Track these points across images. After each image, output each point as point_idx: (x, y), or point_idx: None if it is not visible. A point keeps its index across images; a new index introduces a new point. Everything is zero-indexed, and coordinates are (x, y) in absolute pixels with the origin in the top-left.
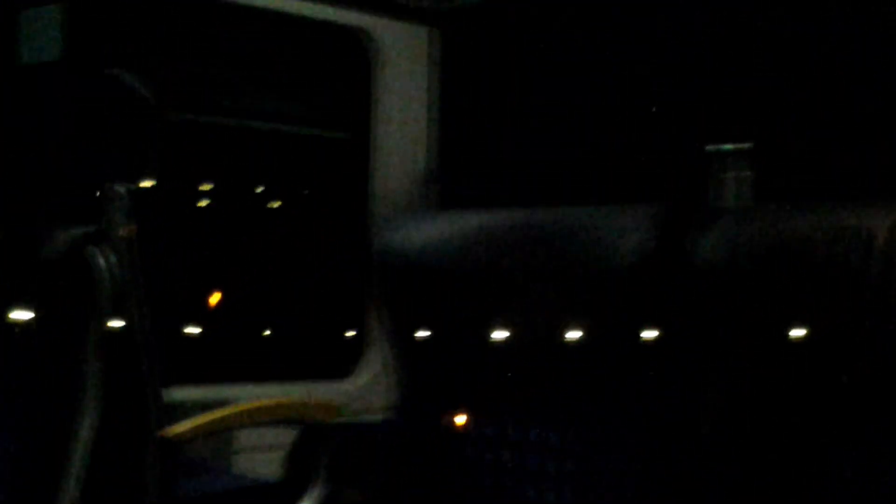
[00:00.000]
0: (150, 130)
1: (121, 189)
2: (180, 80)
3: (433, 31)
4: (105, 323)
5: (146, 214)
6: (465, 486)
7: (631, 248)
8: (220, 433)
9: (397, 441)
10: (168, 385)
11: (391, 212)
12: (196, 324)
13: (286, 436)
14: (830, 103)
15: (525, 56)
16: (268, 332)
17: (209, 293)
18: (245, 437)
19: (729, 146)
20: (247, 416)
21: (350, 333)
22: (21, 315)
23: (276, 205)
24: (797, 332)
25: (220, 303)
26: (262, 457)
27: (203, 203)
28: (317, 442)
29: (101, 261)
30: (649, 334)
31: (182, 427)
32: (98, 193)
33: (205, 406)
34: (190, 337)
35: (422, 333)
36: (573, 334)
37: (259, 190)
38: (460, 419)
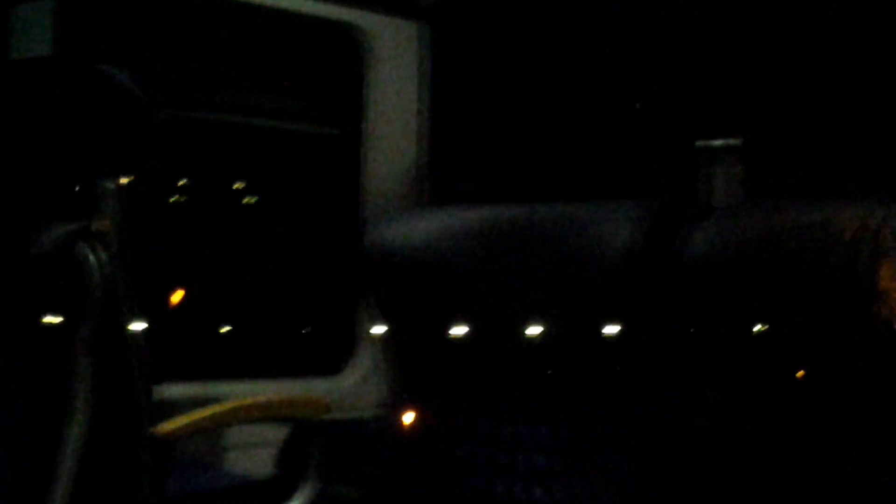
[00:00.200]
0: (141, 126)
1: (111, 185)
2: (172, 76)
3: (423, 26)
4: (95, 320)
5: (136, 211)
6: (455, 483)
7: (621, 244)
8: (212, 430)
9: (388, 437)
10: (159, 382)
11: (382, 208)
12: (187, 321)
13: (278, 433)
14: (821, 99)
15: (515, 51)
16: (259, 329)
17: (199, 290)
18: (236, 434)
19: (719, 142)
20: (238, 413)
21: (341, 330)
22: (11, 312)
23: (266, 201)
24: (788, 329)
25: (211, 299)
26: (253, 454)
27: (193, 199)
28: (308, 439)
29: (92, 257)
30: (639, 329)
31: (173, 424)
32: (88, 190)
33: (196, 403)
34: (181, 334)
35: (413, 329)
36: (564, 330)
37: (250, 186)
38: (450, 415)
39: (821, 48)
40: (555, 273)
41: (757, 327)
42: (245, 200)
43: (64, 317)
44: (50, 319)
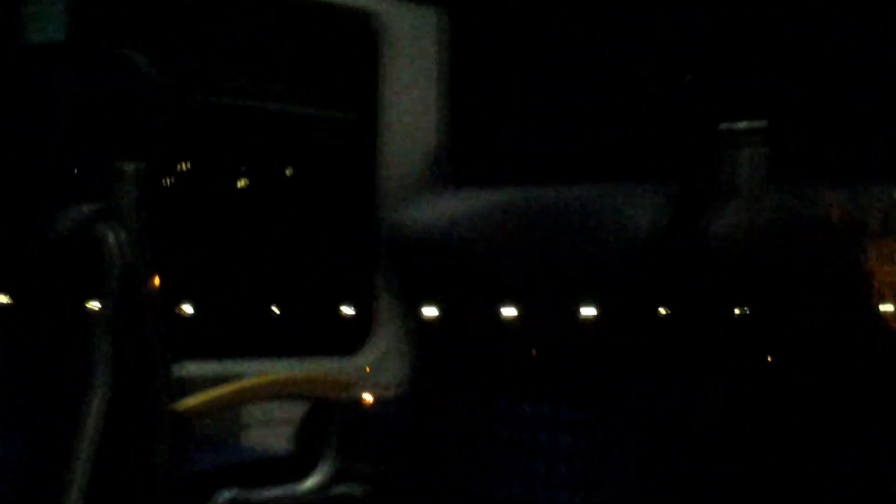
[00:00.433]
0: (158, 109)
1: (129, 167)
2: (188, 61)
3: (441, 11)
4: (115, 299)
5: (155, 192)
6: (474, 462)
7: (643, 227)
8: (231, 408)
9: (407, 417)
10: (179, 360)
11: (400, 190)
12: (206, 300)
13: (296, 411)
14: (847, 81)
15: (534, 33)
16: (278, 308)
17: (220, 270)
18: (255, 411)
19: (743, 124)
20: (257, 391)
21: (359, 309)
22: (30, 292)
23: (285, 184)
24: (812, 314)
25: (231, 280)
26: (272, 431)
27: (213, 182)
28: (326, 417)
29: (111, 238)
30: (659, 314)
31: (193, 401)
32: (107, 171)
33: (215, 381)
34: (200, 313)
35: (431, 310)
36: (583, 312)
37: (269, 169)
38: (468, 394)
39: (847, 30)
40: (574, 254)
41: (782, 313)
42: (240, 184)
43: (83, 296)
44: (69, 299)
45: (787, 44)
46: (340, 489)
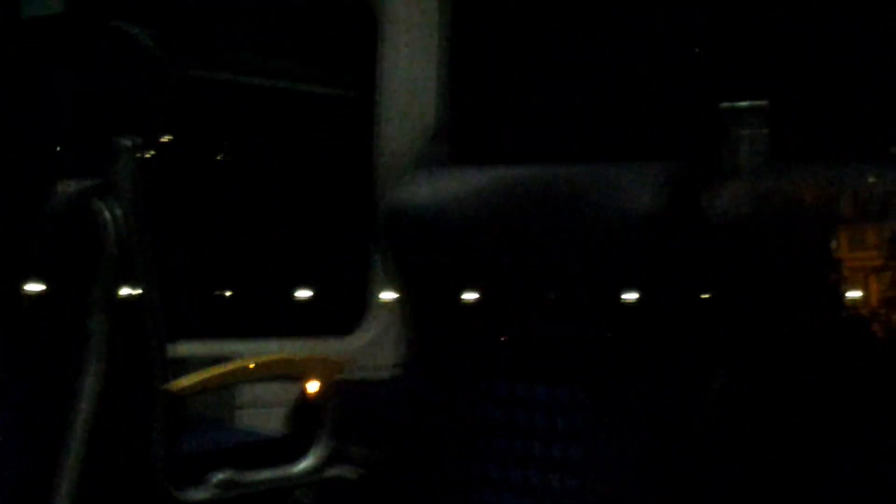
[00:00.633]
0: (157, 84)
1: (127, 143)
2: (189, 36)
3: None
4: (110, 276)
5: (153, 169)
6: (470, 443)
7: (645, 205)
8: (225, 388)
9: (401, 398)
10: (173, 340)
11: (399, 168)
12: (201, 279)
13: (290, 391)
14: (848, 61)
15: (535, 10)
16: (273, 288)
17: (215, 249)
18: (249, 392)
19: (744, 103)
20: (251, 372)
21: (354, 291)
22: (25, 269)
23: (282, 162)
24: (815, 291)
25: (227, 259)
26: (266, 412)
27: (209, 158)
28: (320, 398)
29: (107, 214)
30: (661, 290)
31: (187, 381)
32: (104, 147)
33: (210, 361)
34: (195, 292)
35: (429, 290)
36: (584, 291)
37: (266, 146)
38: (465, 376)
39: (849, 12)
40: (576, 235)
41: (784, 290)
42: (237, 162)
43: (78, 273)
44: (64, 276)
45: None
46: (334, 471)
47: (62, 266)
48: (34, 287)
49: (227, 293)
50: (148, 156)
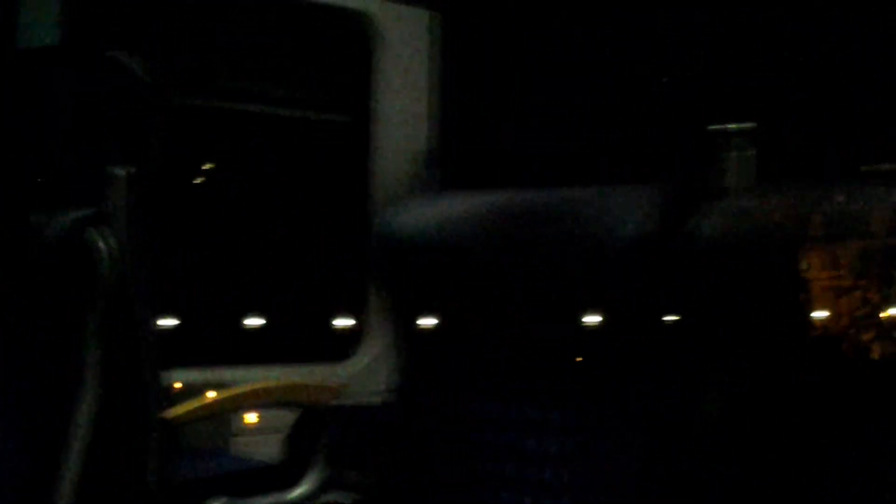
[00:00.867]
0: (149, 113)
1: (121, 172)
2: (181, 64)
3: (434, 13)
4: (104, 306)
5: (146, 198)
6: (464, 470)
7: (633, 229)
8: (220, 416)
9: (397, 423)
10: (168, 368)
11: (393, 194)
12: (196, 306)
13: (286, 418)
14: (834, 83)
15: (524, 37)
16: (268, 315)
17: (210, 275)
18: (244, 418)
19: (732, 126)
20: (246, 399)
21: (350, 315)
22: (19, 299)
23: (277, 189)
24: (801, 316)
25: (221, 285)
26: (261, 439)
27: (203, 186)
28: (317, 424)
29: (102, 244)
30: (650, 316)
31: (182, 409)
32: (97, 177)
33: (205, 388)
34: (190, 320)
35: (422, 315)
36: (573, 315)
37: (260, 173)
38: (459, 400)
39: (833, 33)
40: (565, 257)
41: (773, 314)
42: (270, 188)
43: (73, 303)
44: (59, 305)
45: (785, 44)
46: (329, 497)
47: (57, 296)
48: (29, 317)
49: (223, 320)
50: (143, 185)
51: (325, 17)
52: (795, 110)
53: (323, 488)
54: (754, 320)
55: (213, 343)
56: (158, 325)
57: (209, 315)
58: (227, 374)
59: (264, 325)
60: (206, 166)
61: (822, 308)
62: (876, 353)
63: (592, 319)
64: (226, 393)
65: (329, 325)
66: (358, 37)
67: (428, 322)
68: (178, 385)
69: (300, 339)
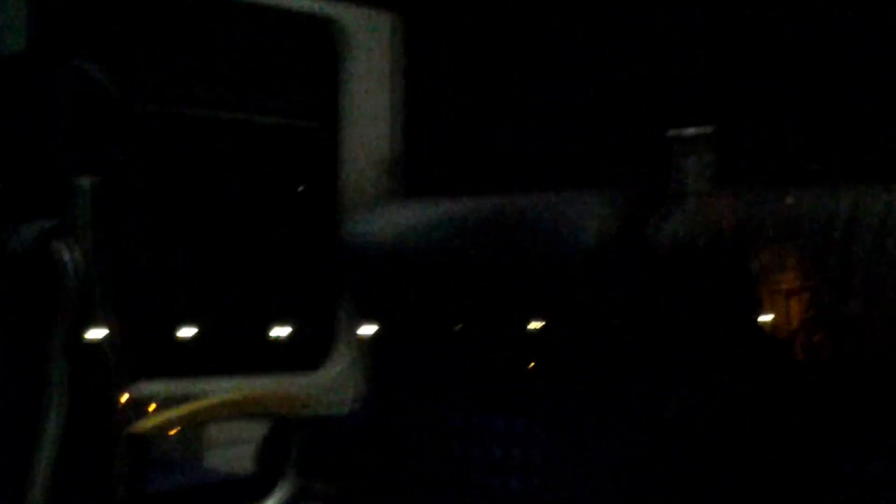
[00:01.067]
0: (116, 123)
1: (85, 183)
2: (147, 72)
3: (397, 17)
4: (71, 318)
5: (112, 208)
6: (433, 478)
7: (592, 234)
8: (190, 428)
9: (367, 433)
10: (136, 380)
11: (359, 201)
12: (164, 318)
13: (256, 430)
14: (794, 86)
15: (488, 42)
16: (236, 325)
17: (176, 285)
18: (214, 431)
19: (690, 130)
20: (216, 410)
21: (319, 326)
22: None
23: (244, 196)
24: (762, 319)
25: (188, 296)
26: (232, 451)
27: (169, 195)
28: (287, 435)
29: (67, 255)
30: (611, 320)
31: (150, 422)
32: (62, 187)
33: (174, 400)
34: (158, 331)
35: (389, 323)
36: (537, 322)
37: (226, 181)
38: (426, 410)
39: (793, 36)
40: (529, 264)
41: (733, 318)
42: (237, 196)
43: (38, 316)
44: (24, 319)
45: (757, 35)
46: None
47: (21, 308)
48: None
49: (192, 331)
50: (108, 195)
51: (291, 23)
52: (758, 112)
53: (294, 499)
54: (714, 321)
55: (182, 354)
56: (127, 337)
57: (177, 325)
58: (196, 385)
59: (235, 335)
60: (172, 176)
61: (774, 310)
62: (826, 353)
63: (556, 325)
64: (195, 405)
65: (300, 335)
66: (324, 42)
67: (396, 330)
68: (147, 397)
69: (270, 349)
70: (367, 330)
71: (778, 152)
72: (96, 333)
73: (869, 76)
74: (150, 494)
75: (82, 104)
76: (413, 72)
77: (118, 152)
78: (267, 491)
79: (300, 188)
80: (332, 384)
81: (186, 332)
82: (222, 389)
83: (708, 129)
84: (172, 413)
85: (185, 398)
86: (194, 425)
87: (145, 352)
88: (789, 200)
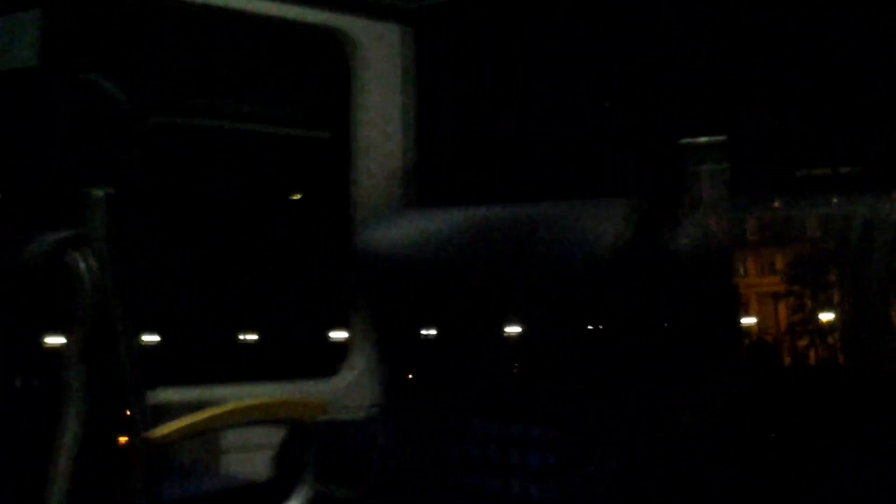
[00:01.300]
0: (127, 134)
1: (99, 193)
2: (159, 84)
3: (408, 29)
4: (87, 327)
5: (127, 218)
6: (451, 483)
7: (608, 242)
8: (207, 434)
9: (383, 439)
10: (153, 387)
11: (372, 210)
12: (180, 325)
13: (273, 435)
14: (806, 94)
15: (499, 52)
16: (253, 332)
17: (193, 294)
18: (232, 437)
19: (703, 139)
20: (233, 417)
21: (336, 332)
22: (2, 321)
23: (259, 205)
24: (776, 324)
25: (205, 304)
26: (249, 457)
27: (184, 206)
28: (303, 441)
29: (82, 265)
30: (629, 327)
31: (168, 429)
32: (77, 198)
33: (191, 407)
34: (175, 338)
35: (404, 330)
36: (552, 329)
37: (241, 191)
38: (443, 415)
39: (805, 44)
40: (543, 272)
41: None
42: (252, 206)
43: (55, 324)
44: (41, 327)
45: (769, 42)
46: None
47: (38, 317)
48: (11, 339)
49: (209, 338)
50: (122, 205)
51: (302, 35)
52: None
53: None
54: (719, 337)
55: (200, 361)
56: (142, 344)
57: (196, 333)
58: (213, 392)
59: (251, 341)
60: (187, 186)
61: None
62: (812, 357)
63: (571, 332)
64: (212, 411)
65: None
66: (335, 52)
67: (411, 337)
68: (163, 404)
69: (287, 355)
70: (382, 337)
71: (791, 159)
72: (112, 340)
73: (887, 81)
74: (166, 501)
75: (94, 116)
76: (424, 82)
77: (131, 163)
78: (284, 497)
79: (315, 197)
80: (348, 390)
81: (204, 338)
82: (239, 396)
83: (720, 139)
84: (189, 420)
85: (201, 405)
86: (212, 431)
87: (163, 358)
88: (800, 208)
